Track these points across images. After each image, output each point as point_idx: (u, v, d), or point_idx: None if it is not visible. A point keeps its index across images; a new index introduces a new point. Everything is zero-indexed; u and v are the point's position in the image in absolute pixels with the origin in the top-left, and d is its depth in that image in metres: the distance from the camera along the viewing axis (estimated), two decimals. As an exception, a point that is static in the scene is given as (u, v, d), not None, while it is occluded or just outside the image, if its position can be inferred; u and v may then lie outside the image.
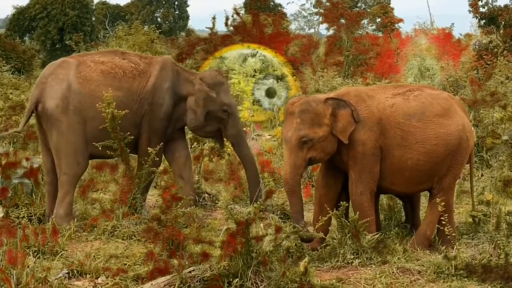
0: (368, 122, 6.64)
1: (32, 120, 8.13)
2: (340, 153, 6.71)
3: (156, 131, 7.61)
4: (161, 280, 5.41)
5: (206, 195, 8.70)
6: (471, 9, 25.22)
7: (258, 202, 5.57)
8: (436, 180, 6.76)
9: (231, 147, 8.38)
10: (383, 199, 7.62)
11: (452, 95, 7.62)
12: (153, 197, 8.60)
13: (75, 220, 7.18)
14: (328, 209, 6.56)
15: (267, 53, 16.93)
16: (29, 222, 7.09)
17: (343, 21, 25.07)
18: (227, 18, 19.74)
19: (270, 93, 16.30)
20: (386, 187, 6.84)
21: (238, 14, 19.93)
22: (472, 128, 7.29)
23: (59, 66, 7.42)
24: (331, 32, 26.20)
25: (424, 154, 6.63)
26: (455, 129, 6.69)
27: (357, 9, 28.05)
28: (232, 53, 17.51)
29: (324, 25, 27.12)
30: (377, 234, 6.53)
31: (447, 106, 6.76)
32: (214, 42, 19.22)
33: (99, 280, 5.74)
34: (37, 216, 7.35)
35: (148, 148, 7.32)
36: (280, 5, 37.08)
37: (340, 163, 6.78)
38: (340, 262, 6.24)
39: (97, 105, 7.18)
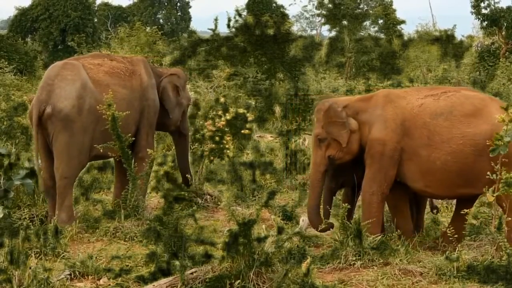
0: (391, 123, 6.65)
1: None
2: (364, 151, 6.79)
3: (151, 125, 7.95)
4: (163, 281, 5.41)
5: (208, 196, 8.69)
6: (473, 11, 25.21)
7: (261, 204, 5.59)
8: (480, 185, 6.38)
9: (177, 140, 8.63)
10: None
11: (496, 98, 7.47)
12: (155, 198, 8.60)
13: (77, 221, 7.19)
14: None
15: None
16: (31, 223, 7.09)
17: (345, 22, 25.06)
18: (229, 20, 19.70)
19: None
20: (422, 189, 6.77)
21: (240, 15, 19.89)
22: None
23: (63, 68, 7.41)
24: (333, 33, 26.19)
25: (453, 154, 6.53)
26: (485, 129, 6.47)
27: (359, 10, 27.93)
28: None
29: (326, 27, 27.11)
30: (378, 235, 6.54)
31: (481, 106, 6.57)
32: (216, 44, 19.20)
33: (101, 282, 5.75)
34: (39, 217, 7.35)
35: (148, 150, 7.64)
36: (282, 6, 37.09)
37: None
38: (342, 264, 6.24)
39: (98, 106, 7.23)
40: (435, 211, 7.60)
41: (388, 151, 6.63)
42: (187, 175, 8.41)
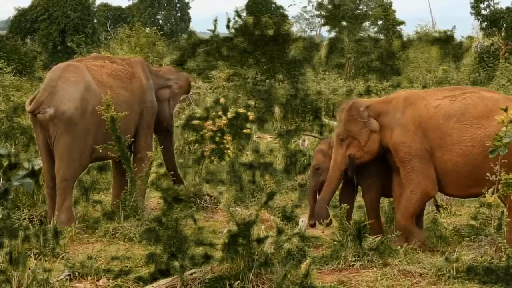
0: (411, 125, 6.75)
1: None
2: (391, 154, 6.89)
3: (150, 126, 7.98)
4: (162, 282, 5.41)
5: (207, 197, 8.69)
6: (473, 12, 25.19)
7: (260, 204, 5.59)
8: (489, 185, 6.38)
9: (163, 139, 8.53)
10: (384, 201, 7.62)
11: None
12: (154, 199, 8.60)
13: (77, 222, 7.19)
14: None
15: None
16: (30, 224, 7.08)
17: (344, 23, 25.05)
18: (228, 20, 19.72)
19: None
20: (441, 189, 6.90)
21: (239, 16, 19.91)
22: None
23: (66, 70, 7.39)
24: (332, 34, 26.19)
25: (462, 156, 6.59)
26: (494, 131, 6.41)
27: (359, 11, 27.92)
28: None
29: (326, 27, 27.12)
30: (378, 236, 6.54)
31: (494, 108, 6.55)
32: (215, 44, 19.21)
33: (101, 282, 5.74)
34: (38, 218, 7.34)
35: (148, 152, 7.71)
36: (281, 7, 37.10)
37: (394, 164, 6.92)
38: (342, 265, 6.24)
39: (97, 107, 7.24)
40: (438, 208, 7.57)
41: (415, 151, 6.71)
42: (175, 172, 8.39)
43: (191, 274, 5.40)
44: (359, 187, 7.26)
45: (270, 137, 13.99)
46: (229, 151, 9.07)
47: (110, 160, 8.04)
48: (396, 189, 6.99)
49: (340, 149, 7.00)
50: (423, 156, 6.70)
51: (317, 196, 7.56)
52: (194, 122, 8.99)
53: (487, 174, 6.23)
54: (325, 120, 15.16)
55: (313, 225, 7.25)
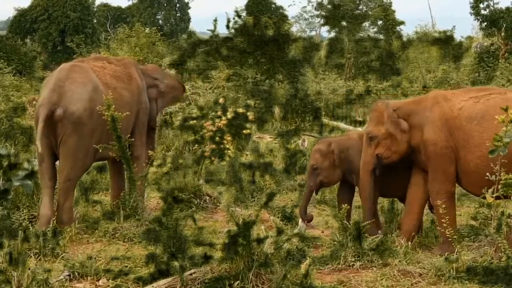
0: (438, 123, 6.79)
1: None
2: (419, 153, 6.90)
3: (144, 125, 8.02)
4: (162, 282, 5.41)
5: (207, 197, 8.68)
6: (472, 12, 25.18)
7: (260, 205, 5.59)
8: None
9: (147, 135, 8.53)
10: (384, 201, 7.62)
11: None
12: (154, 199, 8.60)
13: (76, 222, 7.19)
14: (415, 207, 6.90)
15: None
16: (30, 224, 7.08)
17: (344, 23, 25.05)
18: (228, 21, 19.71)
19: None
20: (464, 188, 6.95)
21: (239, 16, 19.91)
22: None
23: (72, 71, 7.39)
24: (332, 34, 26.19)
25: (482, 158, 6.59)
26: None
27: (359, 11, 27.94)
28: None
29: (326, 28, 27.12)
30: (377, 236, 6.55)
31: None
32: (215, 45, 19.21)
33: (100, 282, 5.75)
34: (38, 218, 7.33)
35: (149, 152, 7.83)
36: (281, 7, 37.07)
37: (421, 163, 6.94)
38: (341, 265, 6.24)
39: (98, 108, 7.23)
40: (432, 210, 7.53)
41: (440, 149, 6.75)
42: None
43: (191, 274, 5.41)
44: (357, 187, 7.27)
45: (270, 137, 13.99)
46: (229, 151, 9.05)
47: (107, 161, 8.07)
48: (412, 188, 7.00)
49: (369, 148, 7.03)
50: (446, 155, 6.74)
51: (313, 196, 7.59)
52: (191, 122, 8.98)
53: (487, 174, 6.25)
54: (325, 120, 15.17)
55: (309, 221, 7.38)
